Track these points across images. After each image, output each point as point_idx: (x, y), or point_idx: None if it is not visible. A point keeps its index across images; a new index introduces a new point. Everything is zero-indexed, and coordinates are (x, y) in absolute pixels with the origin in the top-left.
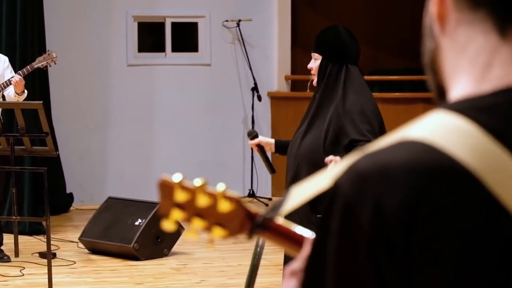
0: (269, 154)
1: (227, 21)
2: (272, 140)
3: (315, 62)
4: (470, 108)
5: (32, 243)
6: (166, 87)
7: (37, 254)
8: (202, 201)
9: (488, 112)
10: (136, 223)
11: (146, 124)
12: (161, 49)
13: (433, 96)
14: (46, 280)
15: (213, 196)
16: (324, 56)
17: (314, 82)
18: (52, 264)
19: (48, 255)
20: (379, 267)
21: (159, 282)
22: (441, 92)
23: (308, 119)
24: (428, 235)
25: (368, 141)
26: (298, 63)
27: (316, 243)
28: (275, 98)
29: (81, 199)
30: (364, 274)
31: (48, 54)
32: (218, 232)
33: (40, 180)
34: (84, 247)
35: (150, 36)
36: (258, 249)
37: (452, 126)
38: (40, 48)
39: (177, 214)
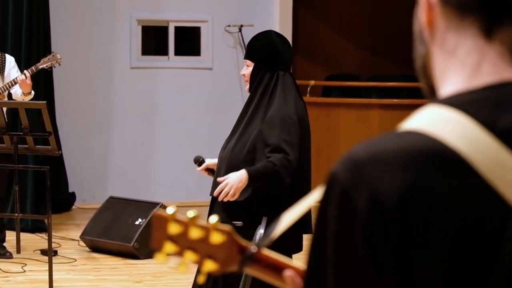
0: None
1: (229, 26)
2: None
3: (247, 69)
4: (461, 101)
5: (34, 241)
6: (168, 90)
7: (39, 251)
8: (194, 233)
9: (478, 104)
10: (137, 222)
11: (148, 126)
12: (164, 52)
13: (427, 99)
14: (47, 276)
15: (205, 229)
16: (256, 62)
17: (246, 89)
18: (53, 261)
19: (49, 252)
20: (375, 253)
21: (158, 281)
22: (433, 95)
23: (240, 126)
24: (423, 220)
25: (283, 150)
26: (298, 68)
27: (315, 231)
28: None
29: (83, 198)
30: (361, 260)
31: (53, 55)
32: (209, 265)
33: (43, 179)
34: (85, 245)
35: (153, 40)
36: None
37: (444, 117)
38: (45, 49)
39: (169, 247)
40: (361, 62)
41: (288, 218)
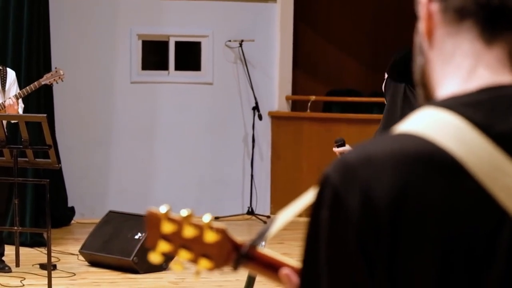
0: None
1: (229, 41)
2: None
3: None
4: (456, 104)
5: (33, 255)
6: (168, 105)
7: (38, 266)
8: (188, 232)
9: (473, 107)
10: (136, 236)
11: (147, 141)
12: (165, 67)
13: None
14: None
15: (199, 227)
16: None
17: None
18: (52, 276)
19: (49, 266)
20: (367, 254)
21: None
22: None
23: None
24: (414, 223)
25: None
26: (299, 84)
27: (307, 234)
28: (275, 117)
29: (82, 212)
30: (353, 260)
31: (56, 71)
32: (204, 263)
33: (42, 193)
34: (84, 259)
35: (153, 54)
36: None
37: (438, 119)
38: (45, 64)
39: (163, 246)
40: (362, 77)
41: (283, 217)
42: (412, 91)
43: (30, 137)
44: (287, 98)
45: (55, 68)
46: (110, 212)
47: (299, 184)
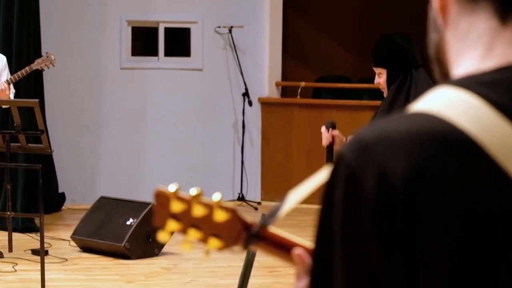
0: None
1: (219, 27)
2: (344, 138)
3: (381, 77)
4: (473, 83)
5: (24, 240)
6: (158, 91)
7: (30, 251)
8: (198, 211)
9: (490, 86)
10: (128, 222)
11: (138, 127)
12: (154, 53)
13: None
14: (38, 276)
15: (209, 206)
16: (389, 69)
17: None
18: (45, 261)
19: (42, 251)
20: (383, 234)
21: (150, 281)
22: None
23: None
24: (431, 204)
25: None
26: (289, 70)
27: (320, 214)
28: (265, 103)
29: (73, 198)
30: (368, 241)
31: (47, 56)
32: (213, 243)
33: (34, 179)
34: (75, 245)
35: (143, 41)
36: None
37: (455, 98)
38: (35, 51)
39: (172, 225)
40: (351, 64)
41: (295, 196)
42: (419, 73)
43: (22, 123)
44: (277, 84)
45: (46, 53)
46: (102, 198)
47: (289, 170)
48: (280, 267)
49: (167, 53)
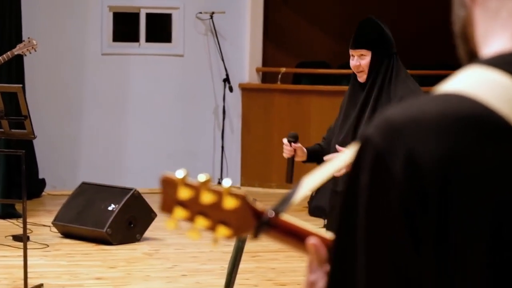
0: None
1: (200, 13)
2: (305, 151)
3: (363, 59)
4: (505, 63)
5: (5, 226)
6: (139, 77)
7: (11, 237)
8: (206, 198)
9: None
10: (109, 208)
11: (119, 112)
12: (135, 39)
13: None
14: (20, 262)
15: (218, 193)
16: (374, 51)
17: (363, 79)
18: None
19: (24, 237)
20: (412, 222)
21: (132, 267)
22: (472, 59)
23: (364, 113)
24: (464, 189)
25: None
26: (269, 56)
27: (344, 200)
28: (246, 89)
29: (53, 184)
30: (396, 228)
31: (29, 41)
32: (222, 231)
33: (15, 164)
34: (57, 231)
35: (124, 26)
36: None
37: (486, 78)
38: (17, 36)
39: (179, 213)
40: (331, 49)
41: (310, 182)
42: (399, 61)
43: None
44: (258, 70)
45: (28, 38)
46: (83, 183)
47: (269, 155)
48: (262, 252)
49: (149, 39)
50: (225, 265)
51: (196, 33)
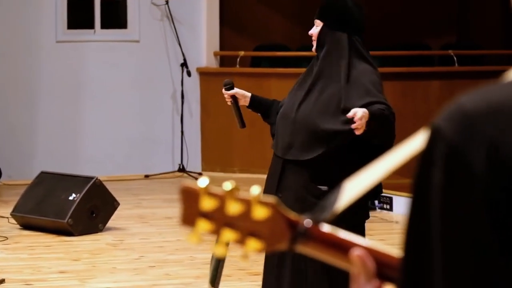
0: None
1: None
2: (249, 94)
3: (316, 28)
4: None
5: None
6: (95, 64)
7: None
8: (233, 208)
9: None
10: (70, 198)
11: (75, 100)
12: (91, 25)
13: None
14: None
15: (246, 202)
16: (325, 22)
17: (313, 49)
18: None
19: None
20: (499, 223)
21: (97, 258)
22: None
23: (314, 87)
24: None
25: (389, 106)
26: (227, 39)
27: (413, 203)
28: (204, 73)
29: (9, 174)
30: (481, 233)
31: None
32: (253, 244)
33: None
34: (16, 222)
35: (79, 13)
36: None
37: None
38: None
39: (203, 225)
40: (290, 32)
41: (355, 187)
42: (358, 40)
43: None
44: (215, 54)
45: None
46: (42, 172)
47: (229, 139)
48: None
49: (104, 25)
50: (194, 255)
51: (151, 18)
